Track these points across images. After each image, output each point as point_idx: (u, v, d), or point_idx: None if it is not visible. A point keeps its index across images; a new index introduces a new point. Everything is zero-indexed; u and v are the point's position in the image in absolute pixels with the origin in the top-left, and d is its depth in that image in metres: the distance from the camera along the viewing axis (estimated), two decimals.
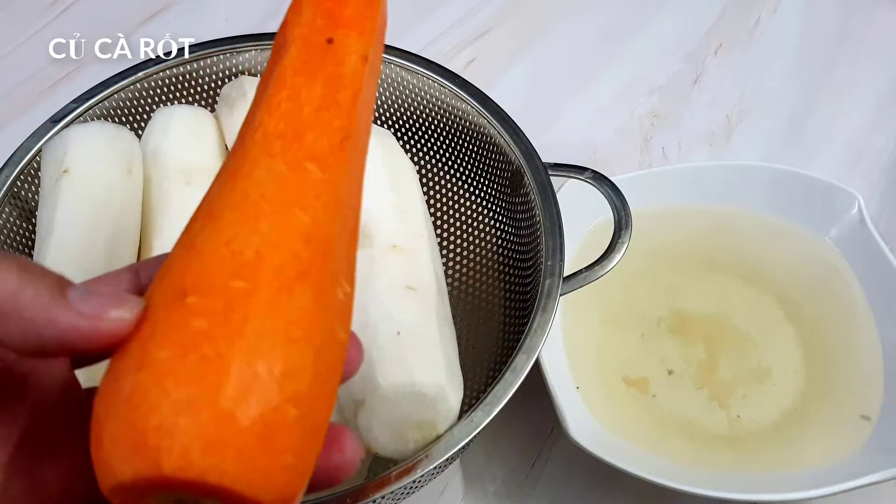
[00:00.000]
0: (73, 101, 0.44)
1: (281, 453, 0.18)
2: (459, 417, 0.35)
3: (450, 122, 0.48)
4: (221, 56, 0.47)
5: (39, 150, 0.42)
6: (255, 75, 0.48)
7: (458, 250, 0.48)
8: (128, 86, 0.45)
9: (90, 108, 0.44)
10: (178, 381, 0.17)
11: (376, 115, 0.50)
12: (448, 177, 0.49)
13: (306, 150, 0.21)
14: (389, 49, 0.47)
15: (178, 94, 0.48)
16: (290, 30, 0.23)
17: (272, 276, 0.19)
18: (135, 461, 0.17)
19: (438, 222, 0.48)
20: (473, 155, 0.47)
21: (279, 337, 0.19)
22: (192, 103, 0.48)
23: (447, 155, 0.49)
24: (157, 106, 0.47)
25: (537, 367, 0.41)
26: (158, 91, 0.47)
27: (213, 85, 0.48)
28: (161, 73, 0.46)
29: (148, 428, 0.17)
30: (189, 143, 0.42)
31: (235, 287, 0.19)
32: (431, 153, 0.49)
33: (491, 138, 0.45)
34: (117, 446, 0.17)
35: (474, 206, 0.48)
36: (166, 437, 0.17)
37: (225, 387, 0.17)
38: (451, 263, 0.47)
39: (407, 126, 0.49)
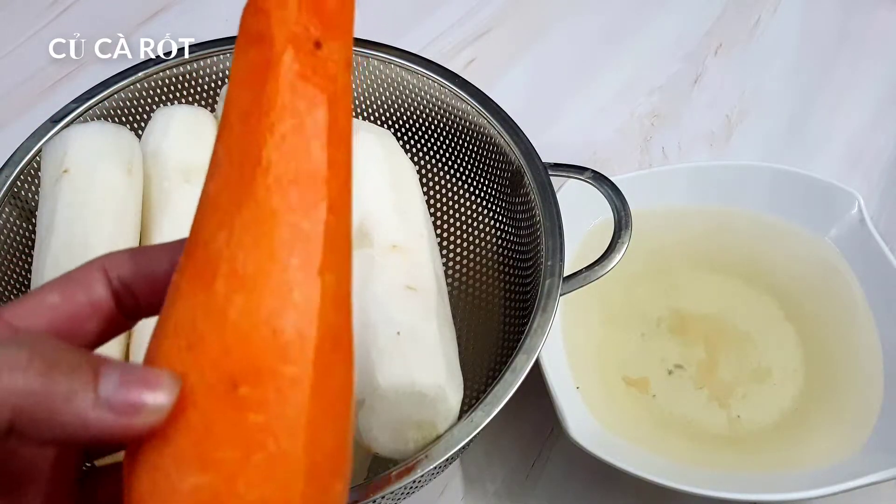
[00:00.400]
0: (73, 101, 0.44)
1: None
2: (459, 417, 0.35)
3: (450, 122, 0.48)
4: (221, 56, 0.47)
5: (39, 150, 0.42)
6: None
7: (458, 250, 0.48)
8: (128, 86, 0.45)
9: (90, 108, 0.44)
10: (250, 483, 0.17)
11: (376, 115, 0.50)
12: (448, 177, 0.49)
13: (322, 197, 0.20)
14: (389, 49, 0.47)
15: (178, 94, 0.48)
16: (275, 24, 0.20)
17: (315, 355, 0.19)
18: None
19: (438, 222, 0.48)
20: (473, 155, 0.47)
21: (328, 419, 0.19)
22: (192, 103, 0.48)
23: (447, 155, 0.49)
24: (157, 106, 0.47)
25: (537, 367, 0.41)
26: (158, 91, 0.47)
27: (213, 85, 0.48)
28: (161, 73, 0.46)
29: None
30: (189, 143, 0.42)
31: (285, 374, 0.18)
32: (431, 153, 0.49)
33: (491, 138, 0.45)
34: None
35: (474, 206, 0.48)
36: None
37: (295, 485, 0.18)
38: (451, 263, 0.47)
39: (407, 126, 0.49)
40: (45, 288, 0.21)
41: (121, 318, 0.22)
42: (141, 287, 0.21)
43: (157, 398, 0.18)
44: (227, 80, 0.48)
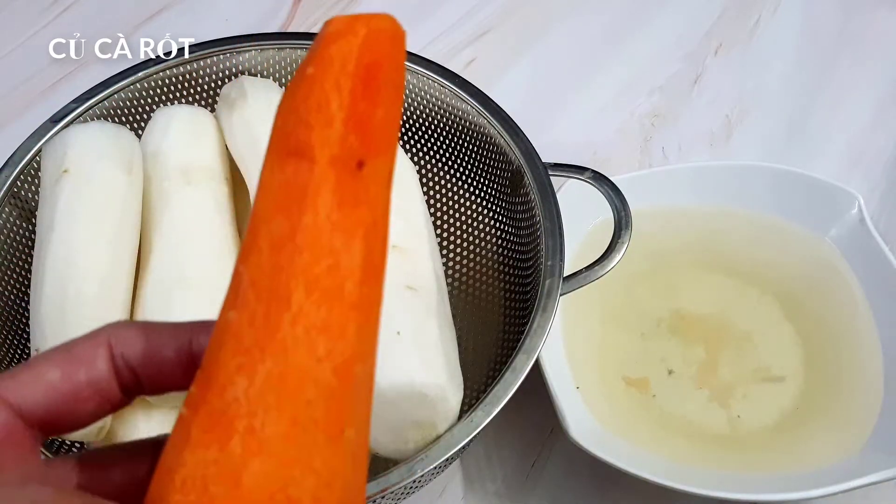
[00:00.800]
0: (73, 101, 0.44)
1: None
2: (459, 417, 0.35)
3: (450, 122, 0.48)
4: (221, 56, 0.47)
5: (39, 150, 0.42)
6: (255, 75, 0.48)
7: (458, 250, 0.48)
8: (128, 86, 0.45)
9: (90, 108, 0.44)
10: None
11: None
12: (448, 177, 0.49)
13: (351, 347, 0.18)
14: None
15: (178, 94, 0.48)
16: (317, 144, 0.18)
17: None
18: None
19: (438, 222, 0.48)
20: (473, 155, 0.47)
21: None
22: (192, 103, 0.48)
23: (447, 155, 0.49)
24: (157, 106, 0.47)
25: (537, 367, 0.41)
26: (158, 91, 0.47)
27: (213, 85, 0.48)
28: (161, 73, 0.46)
29: None
30: (189, 143, 0.42)
31: None
32: (431, 153, 0.49)
33: (491, 138, 0.45)
34: None
35: (474, 206, 0.48)
36: None
37: None
38: (451, 263, 0.47)
39: (407, 126, 0.49)
40: (44, 361, 0.20)
41: (119, 397, 0.21)
42: (146, 368, 0.20)
43: None
44: (227, 79, 0.48)
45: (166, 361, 0.20)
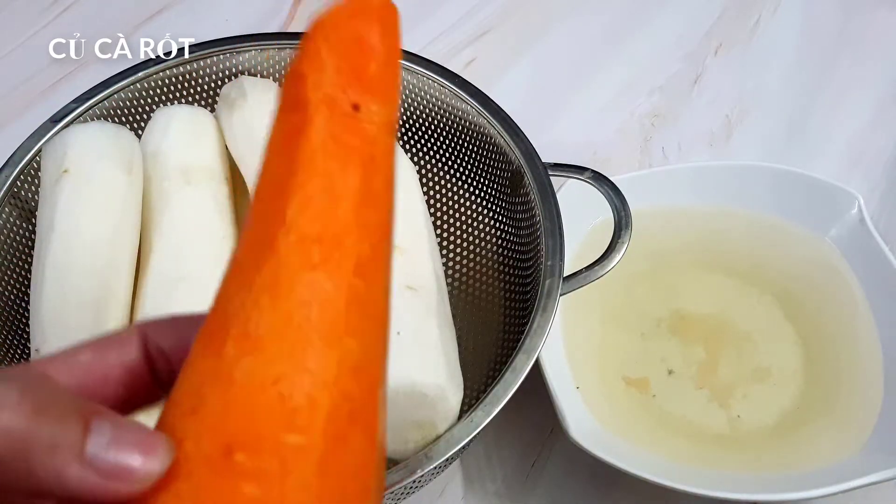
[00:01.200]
0: (73, 101, 0.44)
1: None
2: (459, 417, 0.35)
3: (450, 122, 0.48)
4: (221, 56, 0.47)
5: (39, 150, 0.42)
6: (255, 75, 0.48)
7: (458, 250, 0.48)
8: (128, 86, 0.45)
9: (90, 108, 0.44)
10: None
11: None
12: (448, 177, 0.49)
13: (349, 258, 0.19)
14: None
15: (178, 94, 0.48)
16: (310, 88, 0.19)
17: (326, 425, 0.17)
18: None
19: (438, 222, 0.48)
20: (473, 155, 0.47)
21: (342, 499, 0.17)
22: (192, 103, 0.48)
23: (447, 155, 0.49)
24: (157, 106, 0.47)
25: (537, 367, 0.41)
26: (158, 91, 0.47)
27: (213, 85, 0.48)
28: (161, 73, 0.46)
29: None
30: (189, 143, 0.42)
31: (289, 443, 0.17)
32: (431, 153, 0.49)
33: (491, 138, 0.45)
34: None
35: (474, 206, 0.48)
36: None
37: None
38: (451, 263, 0.47)
39: (407, 126, 0.49)
40: (78, 346, 0.20)
41: (153, 388, 0.20)
42: (178, 356, 0.20)
43: (148, 465, 0.16)
44: (227, 79, 0.48)
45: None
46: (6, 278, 0.41)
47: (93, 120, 0.44)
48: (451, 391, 0.34)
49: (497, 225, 0.46)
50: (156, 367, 0.20)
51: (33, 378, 0.17)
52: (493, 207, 0.47)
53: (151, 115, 0.45)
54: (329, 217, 0.19)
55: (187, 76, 0.47)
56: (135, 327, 0.20)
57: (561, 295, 0.38)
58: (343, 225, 0.19)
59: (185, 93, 0.48)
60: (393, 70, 0.21)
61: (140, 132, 0.45)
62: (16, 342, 0.40)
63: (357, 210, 0.19)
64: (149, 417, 0.34)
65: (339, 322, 0.18)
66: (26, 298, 0.40)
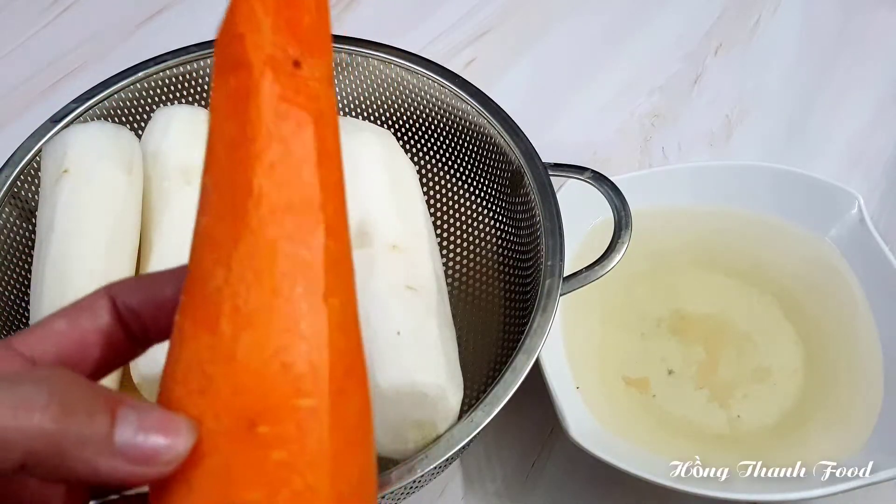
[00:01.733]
0: (73, 101, 0.44)
1: None
2: (459, 417, 0.35)
3: (450, 122, 0.48)
4: None
5: (39, 150, 0.42)
6: None
7: (458, 250, 0.48)
8: (128, 86, 0.45)
9: (90, 108, 0.44)
10: None
11: (376, 115, 0.50)
12: (448, 177, 0.49)
13: (319, 222, 0.19)
14: (389, 49, 0.47)
15: (178, 94, 0.48)
16: (251, 48, 0.19)
17: (329, 384, 0.18)
18: None
19: (438, 222, 0.48)
20: (473, 155, 0.47)
21: (350, 446, 0.19)
22: (192, 103, 0.48)
23: (447, 155, 0.49)
24: (157, 106, 0.47)
25: (537, 367, 0.41)
26: (158, 91, 0.47)
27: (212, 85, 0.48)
28: (161, 73, 0.46)
29: None
30: (189, 143, 0.42)
31: (301, 406, 0.18)
32: (431, 153, 0.49)
33: (491, 138, 0.45)
34: None
35: (474, 206, 0.48)
36: None
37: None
38: (451, 263, 0.47)
39: (407, 126, 0.49)
40: (51, 316, 0.21)
41: (128, 345, 0.21)
42: (148, 313, 0.21)
43: (174, 446, 0.17)
44: None
45: (166, 304, 0.21)
46: (6, 278, 0.41)
47: (93, 120, 0.44)
48: (451, 391, 0.34)
49: (497, 225, 0.46)
50: (128, 325, 0.21)
51: (58, 376, 0.18)
52: (493, 207, 0.47)
53: (151, 115, 0.45)
54: (295, 183, 0.19)
55: (187, 76, 0.47)
56: (101, 290, 0.21)
57: (561, 295, 0.38)
58: (309, 189, 0.19)
59: (185, 93, 0.48)
60: (324, 20, 0.20)
61: (140, 132, 0.45)
62: None
63: (318, 172, 0.19)
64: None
65: (320, 286, 0.19)
66: (26, 298, 0.40)
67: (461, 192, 0.49)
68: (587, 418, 0.42)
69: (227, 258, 0.19)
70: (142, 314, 0.21)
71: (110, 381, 0.35)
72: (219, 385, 0.18)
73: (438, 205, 0.49)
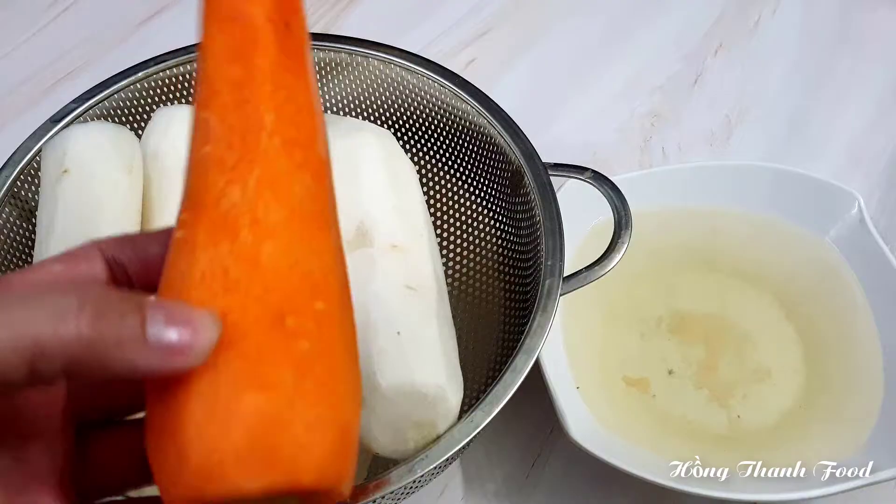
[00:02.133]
0: (73, 101, 0.44)
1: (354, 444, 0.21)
2: (459, 417, 0.35)
3: (450, 122, 0.48)
4: None
5: (39, 150, 0.42)
6: None
7: (458, 250, 0.47)
8: (128, 86, 0.45)
9: (90, 108, 0.44)
10: (307, 403, 0.20)
11: (376, 115, 0.50)
12: (448, 177, 0.49)
13: (318, 157, 0.23)
14: (389, 49, 0.47)
15: (178, 94, 0.47)
16: (252, 5, 0.23)
17: (336, 295, 0.22)
18: (269, 473, 0.19)
19: (438, 222, 0.48)
20: (473, 155, 0.47)
21: (351, 349, 0.22)
22: (192, 103, 0.48)
23: (447, 155, 0.49)
24: (157, 106, 0.47)
25: (537, 367, 0.41)
26: (158, 91, 0.47)
27: None
28: (161, 73, 0.46)
29: (282, 443, 0.19)
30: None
31: (318, 309, 0.21)
32: (431, 153, 0.49)
33: (491, 138, 0.45)
34: (242, 461, 0.19)
35: (474, 206, 0.48)
36: (303, 451, 0.19)
37: (342, 405, 0.21)
38: (451, 263, 0.47)
39: (407, 126, 0.49)
40: (48, 259, 0.21)
41: None
42: (135, 268, 0.22)
43: (202, 336, 0.19)
44: None
45: (152, 262, 0.22)
46: None
47: (93, 120, 0.44)
48: (451, 391, 0.34)
49: (497, 225, 0.46)
50: (115, 277, 0.22)
51: (84, 287, 0.20)
52: (493, 207, 0.47)
53: (151, 115, 0.45)
54: (300, 123, 0.22)
55: (187, 76, 0.47)
56: (92, 243, 0.22)
57: (561, 295, 0.38)
58: (310, 129, 0.23)
59: (185, 93, 0.48)
60: None
61: (140, 132, 0.45)
62: None
63: (314, 116, 0.23)
64: None
65: (326, 215, 0.22)
66: None
67: (461, 192, 0.49)
68: (587, 418, 0.42)
69: (242, 179, 0.21)
70: (128, 268, 0.22)
71: None
72: (246, 284, 0.20)
73: (438, 205, 0.49)
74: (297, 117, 0.22)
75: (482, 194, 0.48)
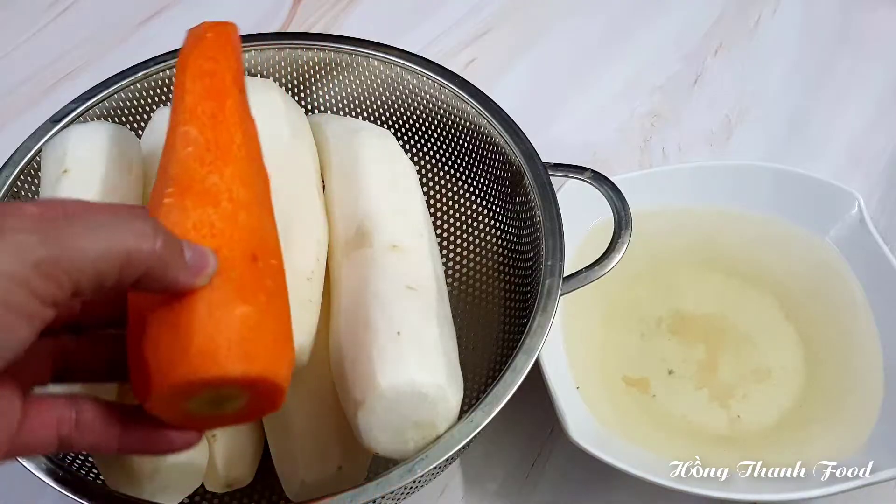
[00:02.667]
0: (73, 101, 0.44)
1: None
2: (459, 417, 0.35)
3: (450, 122, 0.48)
4: None
5: (39, 150, 0.42)
6: (255, 75, 0.48)
7: (458, 250, 0.48)
8: (128, 86, 0.45)
9: (90, 108, 0.44)
10: (273, 316, 0.27)
11: (376, 115, 0.50)
12: (448, 177, 0.49)
13: (262, 164, 0.33)
14: (389, 49, 0.47)
15: None
16: (225, 70, 0.35)
17: (278, 255, 0.30)
18: (248, 364, 0.25)
19: (438, 222, 0.48)
20: (473, 155, 0.47)
21: (287, 299, 0.29)
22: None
23: (447, 155, 0.49)
24: (157, 106, 0.47)
25: (537, 367, 0.41)
26: (158, 91, 0.47)
27: None
28: (161, 73, 0.46)
29: (258, 345, 0.26)
30: None
31: (273, 264, 0.29)
32: (431, 153, 0.49)
33: (491, 138, 0.45)
34: (231, 351, 0.25)
35: (474, 206, 0.48)
36: (270, 354, 0.26)
37: (286, 323, 0.28)
38: (451, 263, 0.47)
39: (407, 126, 0.49)
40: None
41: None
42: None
43: (212, 264, 0.26)
44: None
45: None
46: None
47: (93, 120, 0.44)
48: (451, 391, 0.34)
49: (497, 225, 0.46)
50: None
51: (150, 216, 0.25)
52: (493, 207, 0.47)
53: (151, 115, 0.45)
54: (252, 144, 0.33)
55: None
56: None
57: (561, 295, 0.38)
58: (258, 149, 0.33)
59: None
60: (238, 59, 0.37)
61: (140, 132, 0.45)
62: None
63: (257, 140, 0.34)
64: None
65: (270, 202, 0.32)
66: None
67: (461, 192, 0.49)
68: (587, 418, 0.42)
69: (219, 169, 0.30)
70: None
71: (107, 389, 0.35)
72: (230, 234, 0.28)
73: (438, 205, 0.49)
74: (252, 140, 0.33)
75: (482, 194, 0.48)
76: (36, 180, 0.42)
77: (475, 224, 0.48)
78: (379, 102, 0.49)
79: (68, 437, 0.25)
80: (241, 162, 0.31)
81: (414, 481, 0.33)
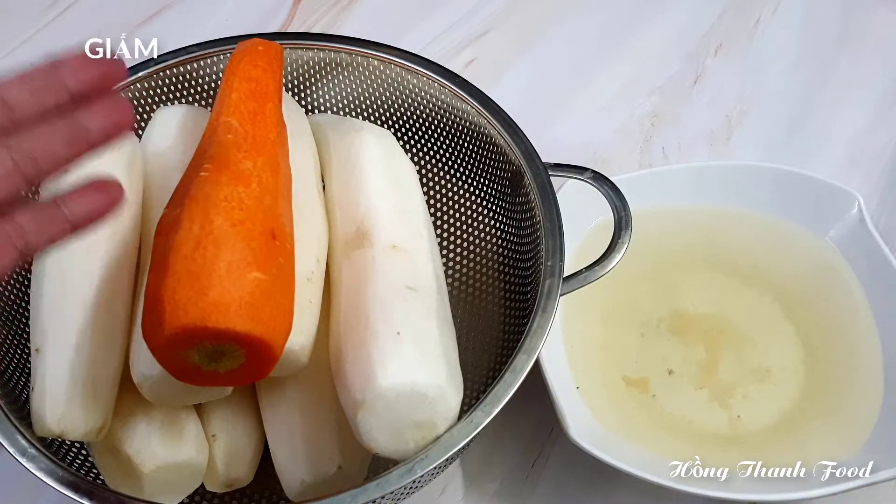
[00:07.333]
0: None
1: None
2: (459, 418, 0.35)
3: (450, 122, 0.48)
4: (221, 56, 0.47)
5: None
6: None
7: (458, 250, 0.48)
8: (128, 86, 0.45)
9: None
10: (282, 287, 0.31)
11: (376, 115, 0.50)
12: (448, 177, 0.49)
13: (288, 163, 0.38)
14: (389, 49, 0.47)
15: (178, 94, 0.48)
16: (269, 76, 0.40)
17: (291, 240, 0.34)
18: (253, 323, 0.28)
19: (438, 222, 0.48)
20: (473, 155, 0.47)
21: (291, 279, 0.33)
22: (192, 103, 0.48)
23: (447, 155, 0.49)
24: (157, 106, 0.47)
25: (537, 367, 0.41)
26: (158, 91, 0.47)
27: (213, 85, 0.48)
28: (161, 73, 0.46)
29: (265, 309, 0.29)
30: (189, 143, 0.42)
31: (287, 247, 0.32)
32: (431, 153, 0.49)
33: (491, 138, 0.45)
34: (242, 308, 0.28)
35: (474, 206, 0.48)
36: (274, 320, 0.29)
37: (291, 307, 0.31)
38: (451, 263, 0.47)
39: (407, 126, 0.49)
40: None
41: None
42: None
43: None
44: None
45: None
46: (6, 278, 0.41)
47: None
48: (451, 392, 0.34)
49: (497, 225, 0.46)
50: None
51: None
52: (493, 207, 0.47)
53: (151, 115, 0.45)
54: (283, 143, 0.38)
55: (187, 76, 0.47)
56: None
57: (561, 295, 0.38)
58: (286, 149, 0.39)
59: (185, 93, 0.48)
60: (279, 73, 0.42)
61: (140, 132, 0.45)
62: (16, 342, 0.40)
63: (287, 144, 0.39)
64: (148, 420, 0.34)
65: (291, 196, 0.36)
66: (26, 298, 0.40)
67: (461, 192, 0.49)
68: (587, 418, 0.42)
69: (253, 158, 0.34)
70: None
71: (109, 382, 0.35)
72: (254, 210, 0.31)
73: (438, 205, 0.49)
74: (283, 141, 0.38)
75: (482, 194, 0.48)
76: None
77: (475, 224, 0.48)
78: (379, 102, 0.49)
79: (25, 246, 0.25)
80: (272, 157, 0.35)
81: (414, 481, 0.33)
